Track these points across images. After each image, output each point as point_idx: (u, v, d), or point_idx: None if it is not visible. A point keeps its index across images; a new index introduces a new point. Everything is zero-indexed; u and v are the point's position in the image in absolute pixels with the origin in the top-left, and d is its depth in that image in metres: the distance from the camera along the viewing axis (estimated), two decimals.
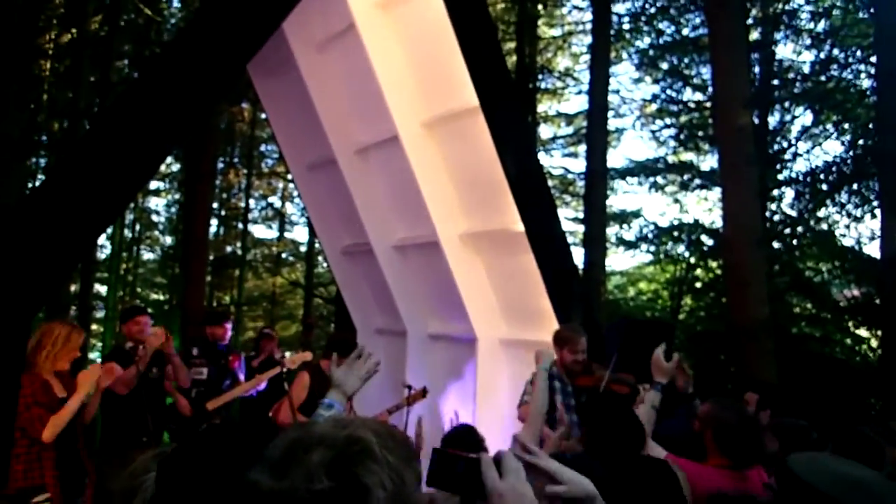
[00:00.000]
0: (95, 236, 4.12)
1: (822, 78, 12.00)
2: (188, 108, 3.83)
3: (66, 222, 3.40)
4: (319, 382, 4.27)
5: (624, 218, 14.84)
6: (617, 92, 15.12)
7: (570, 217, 16.73)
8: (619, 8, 14.79)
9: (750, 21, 12.08)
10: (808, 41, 12.47)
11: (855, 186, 11.40)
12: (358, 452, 0.78)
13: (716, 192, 12.64)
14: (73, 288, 15.11)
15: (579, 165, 15.84)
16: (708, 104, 12.88)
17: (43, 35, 14.76)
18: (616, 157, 15.61)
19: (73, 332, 3.69)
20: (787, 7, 12.51)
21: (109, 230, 17.62)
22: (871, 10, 10.80)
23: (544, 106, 17.63)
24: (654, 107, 15.10)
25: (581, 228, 14.14)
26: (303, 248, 20.44)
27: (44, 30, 14.63)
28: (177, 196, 19.76)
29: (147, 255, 21.81)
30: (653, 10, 13.76)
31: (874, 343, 10.94)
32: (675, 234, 12.95)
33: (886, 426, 3.64)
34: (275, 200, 21.81)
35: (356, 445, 0.78)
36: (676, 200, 14.51)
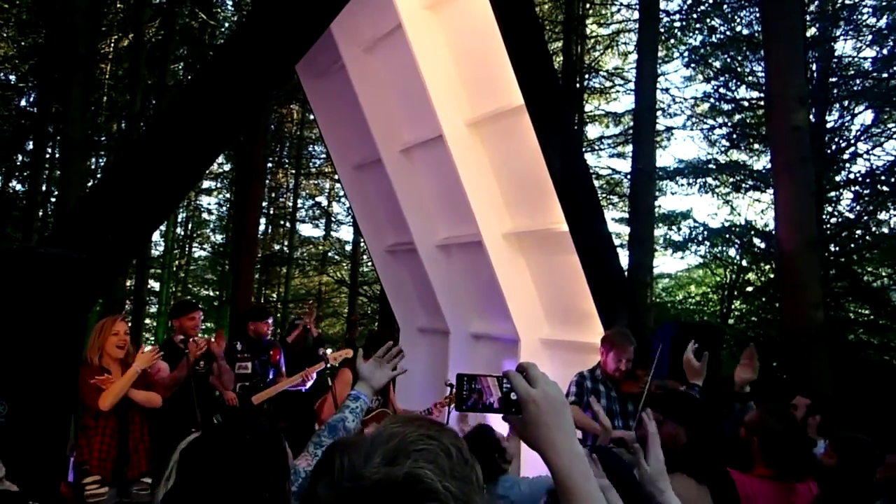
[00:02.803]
0: (149, 233, 4.27)
1: (884, 75, 11.55)
2: (239, 109, 3.93)
3: (121, 219, 3.52)
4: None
5: (672, 219, 14.54)
6: (667, 91, 14.84)
7: (616, 218, 16.51)
8: (670, 6, 14.53)
9: (808, 17, 11.69)
10: (870, 37, 12.00)
11: None
12: (420, 495, 0.74)
13: (769, 194, 12.26)
14: (127, 283, 15.64)
15: (627, 166, 15.60)
16: (762, 103, 12.52)
17: (104, 39, 15.33)
18: (666, 158, 15.30)
19: (108, 321, 3.90)
20: (847, 2, 12.07)
21: (163, 228, 18.22)
22: None
23: (592, 105, 17.43)
24: (705, 106, 14.76)
25: (627, 230, 13.92)
26: (348, 248, 20.70)
27: (104, 34, 15.19)
28: (227, 195, 20.26)
29: (198, 253, 22.43)
30: (704, 6, 13.44)
31: None
32: (726, 236, 12.63)
33: None
34: (322, 200, 22.16)
35: (417, 487, 0.74)
36: (727, 202, 14.14)
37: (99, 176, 16.23)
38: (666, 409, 2.54)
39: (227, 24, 16.74)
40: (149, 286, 17.17)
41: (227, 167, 19.71)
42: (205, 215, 21.56)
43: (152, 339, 17.62)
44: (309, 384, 5.35)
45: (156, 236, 18.14)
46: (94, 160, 17.04)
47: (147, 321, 18.01)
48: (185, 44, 16.56)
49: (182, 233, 21.43)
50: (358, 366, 2.15)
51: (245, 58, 4.02)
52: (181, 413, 4.35)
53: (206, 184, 20.52)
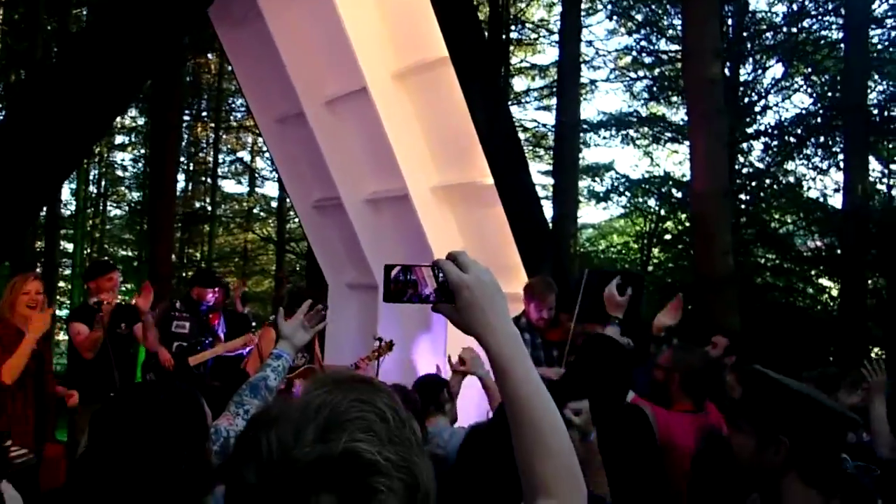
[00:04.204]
0: (52, 190, 4.03)
1: (794, 30, 12.03)
2: (144, 54, 3.71)
3: (20, 175, 3.31)
4: None
5: (596, 171, 14.89)
6: (591, 43, 14.98)
7: (542, 170, 16.73)
8: None
9: None
10: None
11: (822, 139, 11.59)
12: (360, 472, 0.69)
13: (686, 146, 12.72)
14: (37, 245, 14.80)
15: (552, 118, 15.75)
16: (680, 56, 12.85)
17: None
18: (589, 110, 15.55)
19: (18, 280, 3.76)
20: None
21: (73, 185, 17.25)
22: None
23: (518, 58, 17.40)
24: (627, 59, 15.01)
25: (552, 182, 14.17)
26: (274, 204, 20.21)
27: None
28: (143, 151, 19.29)
29: (114, 211, 21.40)
30: None
31: (835, 293, 11.28)
32: (646, 186, 13.05)
33: (827, 374, 3.76)
34: (244, 155, 21.43)
35: (356, 463, 0.69)
36: (648, 153, 14.57)
37: None
38: (585, 354, 2.67)
39: None
40: (61, 247, 16.32)
41: (141, 121, 18.72)
42: (119, 172, 20.48)
43: (67, 302, 16.84)
44: (248, 350, 5.29)
45: (66, 195, 17.17)
46: None
47: (61, 284, 17.17)
48: None
49: (95, 191, 20.34)
50: (279, 324, 2.15)
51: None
52: (99, 376, 4.22)
53: (119, 139, 19.45)
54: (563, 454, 0.95)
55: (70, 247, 17.58)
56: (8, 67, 15.44)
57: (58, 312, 15.85)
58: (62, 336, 15.75)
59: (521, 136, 15.88)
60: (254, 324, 5.12)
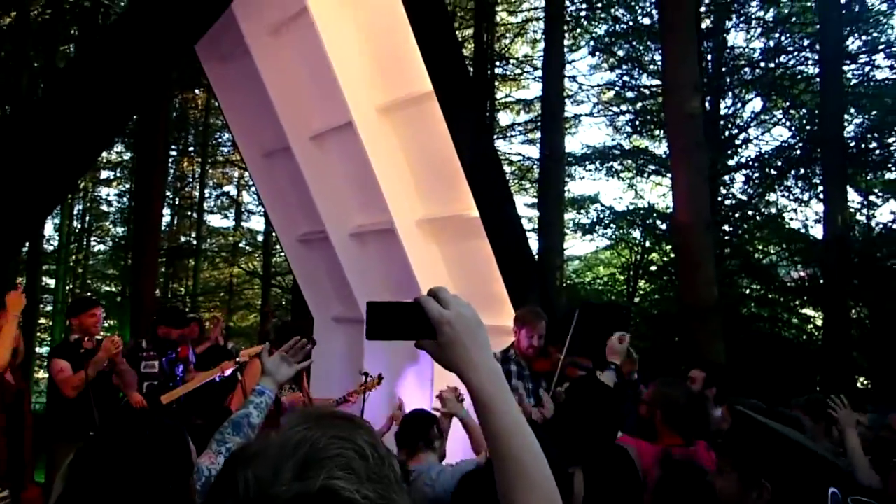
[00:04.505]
0: (35, 225, 3.99)
1: (772, 65, 12.34)
2: (130, 91, 3.73)
3: (4, 208, 3.29)
4: None
5: (581, 203, 15.03)
6: (574, 79, 15.26)
7: (528, 203, 16.87)
8: None
9: (702, 9, 12.30)
10: (759, 29, 12.78)
11: (802, 171, 11.80)
12: None
13: (669, 178, 12.89)
14: (19, 280, 14.60)
15: (537, 152, 15.94)
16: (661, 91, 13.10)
17: None
18: (574, 144, 15.74)
19: None
20: None
21: (57, 221, 17.12)
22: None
23: (503, 93, 17.67)
24: (610, 93, 15.28)
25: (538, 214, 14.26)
26: (260, 238, 20.15)
27: None
28: (128, 185, 19.24)
29: (98, 247, 21.22)
30: None
31: (820, 322, 11.36)
32: (631, 218, 13.18)
33: (814, 400, 3.79)
34: (230, 189, 21.43)
35: (333, 501, 0.68)
36: (632, 186, 14.75)
37: None
38: (574, 396, 2.67)
39: (122, 4, 15.81)
40: (43, 283, 16.12)
41: (127, 156, 18.69)
42: (104, 207, 20.37)
43: (48, 339, 16.57)
44: (219, 376, 5.20)
45: (49, 230, 17.03)
46: None
47: (42, 320, 16.91)
48: (75, 24, 15.52)
49: (79, 226, 20.20)
50: (262, 359, 2.12)
51: (137, 36, 3.81)
52: (78, 414, 4.14)
53: (104, 173, 19.40)
54: (545, 487, 0.94)
55: (52, 283, 17.37)
56: None
57: (39, 350, 15.59)
58: (42, 374, 15.46)
59: (507, 169, 16.05)
60: (238, 359, 5.04)
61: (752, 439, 1.57)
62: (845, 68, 10.94)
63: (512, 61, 17.35)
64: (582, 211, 14.70)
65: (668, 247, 12.29)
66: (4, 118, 14.81)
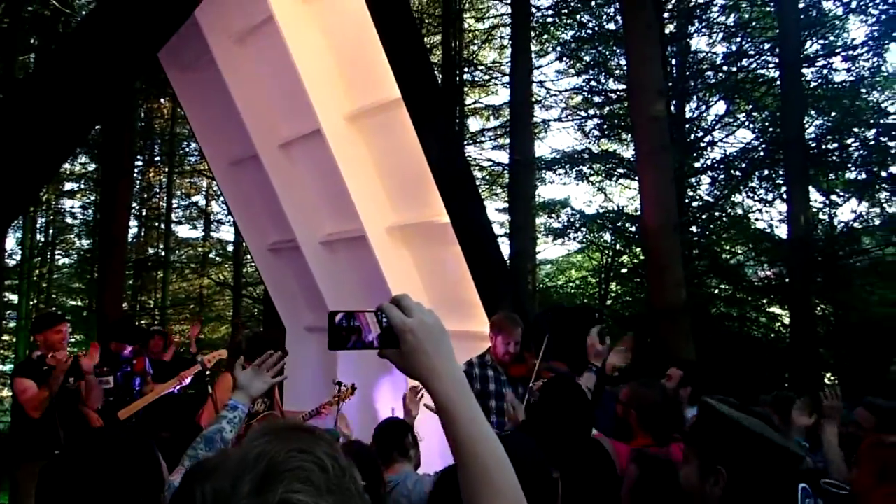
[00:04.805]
0: None
1: (734, 69, 12.59)
2: (90, 101, 3.66)
3: None
4: None
5: (552, 208, 15.13)
6: (542, 84, 15.38)
7: (499, 208, 16.93)
8: (541, 2, 15.04)
9: (665, 14, 12.51)
10: (721, 34, 13.04)
11: (765, 172, 12.05)
12: None
13: (637, 181, 13.05)
14: None
15: (507, 157, 16.02)
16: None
17: None
18: (543, 148, 15.84)
19: None
20: (700, 0, 13.02)
21: (19, 235, 16.70)
22: (775, 4, 11.38)
23: (472, 98, 17.74)
24: (578, 98, 15.43)
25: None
26: (230, 248, 19.90)
27: None
28: (93, 197, 18.86)
29: (62, 260, 20.74)
30: (574, 3, 14.05)
31: (787, 321, 11.58)
32: (601, 222, 13.31)
33: (782, 397, 3.86)
34: (199, 199, 21.14)
35: None
36: (601, 189, 14.89)
37: None
38: (547, 395, 2.68)
39: (83, 13, 15.52)
40: (5, 299, 15.70)
41: (91, 167, 18.33)
42: (68, 219, 19.93)
43: (12, 356, 16.13)
44: (178, 388, 5.12)
45: (11, 244, 16.60)
46: None
47: (5, 337, 16.48)
48: (35, 33, 15.20)
49: (42, 239, 19.72)
50: (235, 373, 2.10)
51: (97, 44, 3.75)
52: (43, 433, 4.03)
53: (68, 185, 18.98)
54: (510, 494, 0.94)
55: (15, 298, 16.93)
56: None
57: (1, 367, 15.17)
58: (6, 392, 15.04)
59: (477, 174, 16.11)
60: (208, 372, 4.96)
61: (711, 427, 1.60)
62: (804, 71, 11.21)
63: (480, 67, 17.43)
64: (553, 215, 14.80)
65: (639, 249, 12.45)
66: None
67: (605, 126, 14.49)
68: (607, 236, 13.91)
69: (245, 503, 0.68)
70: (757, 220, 12.52)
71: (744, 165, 12.22)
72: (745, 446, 1.51)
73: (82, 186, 19.27)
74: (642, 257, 11.54)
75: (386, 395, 5.85)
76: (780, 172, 11.50)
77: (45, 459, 3.92)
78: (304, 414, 4.68)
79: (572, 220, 13.66)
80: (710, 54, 13.32)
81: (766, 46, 12.41)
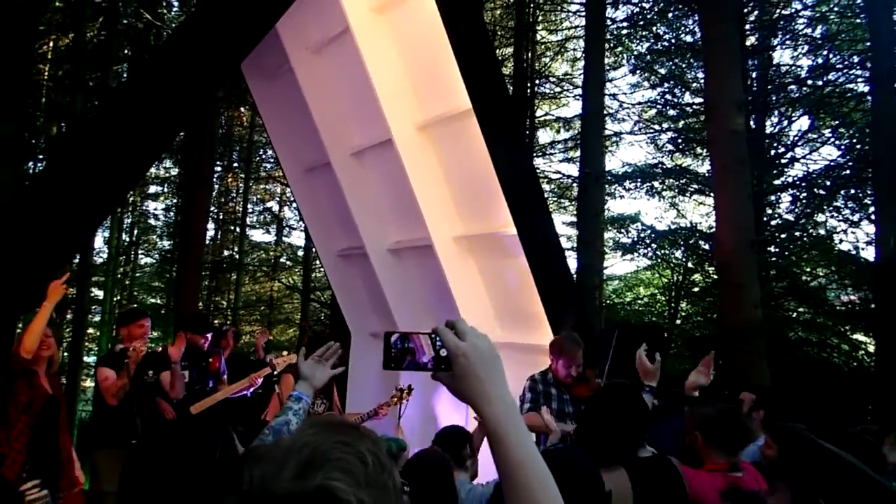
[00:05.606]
0: (86, 236, 4.12)
1: (820, 83, 12.05)
2: (178, 109, 3.84)
3: (56, 220, 3.40)
4: None
5: (621, 222, 14.83)
6: (615, 96, 15.14)
7: (567, 221, 16.72)
8: (617, 14, 14.83)
9: (747, 26, 12.11)
10: (806, 46, 12.51)
11: (852, 191, 11.44)
12: None
13: (712, 197, 12.63)
14: (69, 291, 15.10)
15: (577, 170, 15.82)
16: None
17: (42, 39, 14.79)
18: (614, 162, 15.58)
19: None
20: (784, 12, 12.55)
21: (106, 234, 17.67)
22: (867, 16, 10.83)
23: (543, 110, 17.64)
24: (652, 111, 15.11)
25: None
26: (300, 253, 20.43)
27: (43, 33, 14.66)
28: (175, 200, 19.77)
29: (145, 259, 21.80)
30: (650, 14, 13.79)
31: (872, 349, 10.93)
32: (672, 238, 12.94)
33: (865, 429, 3.61)
34: (273, 205, 21.83)
35: (328, 501, 0.72)
36: (674, 205, 14.50)
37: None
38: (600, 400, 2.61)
39: (173, 25, 16.34)
40: (92, 294, 16.60)
41: (174, 171, 19.23)
42: (151, 221, 20.97)
43: (95, 348, 17.03)
44: (252, 390, 5.25)
45: (99, 242, 17.57)
46: (31, 164, 16.41)
47: (91, 330, 17.41)
48: (129, 44, 16.12)
49: (127, 239, 20.80)
50: (298, 364, 2.14)
51: (186, 56, 3.93)
52: (121, 422, 4.23)
53: (152, 188, 19.98)
54: None
55: (101, 294, 17.89)
56: (49, 120, 16.08)
57: (86, 359, 16.04)
58: (89, 383, 15.89)
59: (546, 187, 15.97)
60: (275, 372, 5.08)
61: (808, 458, 1.52)
62: None
63: (552, 79, 17.32)
64: (622, 230, 14.51)
65: (712, 268, 12.03)
66: (60, 135, 15.41)
67: (680, 140, 14.12)
68: (678, 253, 13.52)
69: (286, 485, 0.72)
70: (841, 241, 11.89)
71: (828, 183, 11.65)
72: (845, 480, 1.44)
73: (165, 190, 20.25)
74: (715, 276, 11.16)
75: (448, 406, 5.85)
76: (868, 192, 10.90)
77: (122, 447, 4.14)
78: (362, 415, 4.74)
79: (642, 235, 13.35)
80: (793, 67, 12.80)
81: (856, 60, 11.81)
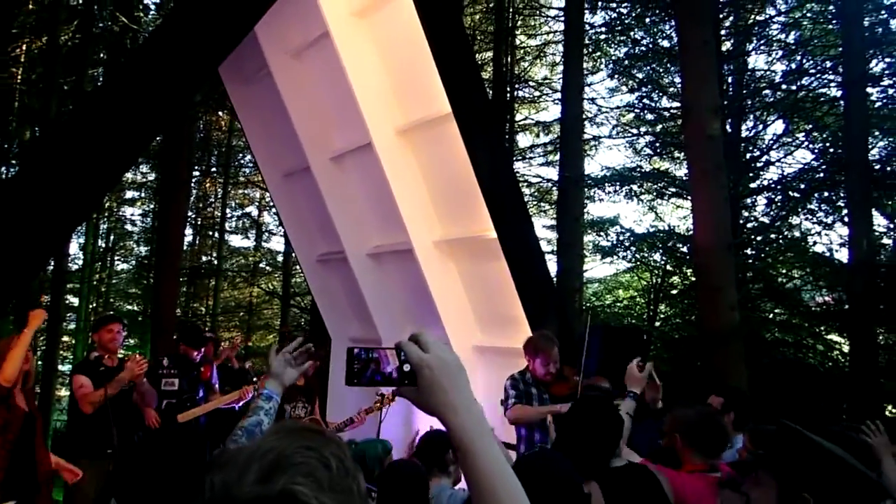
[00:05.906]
0: (60, 241, 4.06)
1: (793, 87, 12.25)
2: (154, 113, 3.79)
3: (30, 226, 3.34)
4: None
5: (601, 226, 14.94)
6: (593, 101, 15.26)
7: (547, 225, 16.80)
8: (595, 19, 14.96)
9: (723, 32, 12.28)
10: (780, 52, 12.72)
11: (825, 194, 11.64)
12: None
13: (689, 200, 12.77)
14: (44, 299, 14.84)
15: (556, 174, 15.90)
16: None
17: (15, 42, 14.56)
18: (593, 166, 15.72)
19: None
20: (758, 18, 12.74)
21: (82, 240, 17.40)
22: (839, 22, 11.05)
23: (522, 115, 17.73)
24: (630, 115, 15.25)
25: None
26: (280, 258, 20.30)
27: (15, 37, 14.43)
28: (152, 205, 19.54)
29: (121, 266, 21.51)
30: (628, 20, 13.93)
31: (846, 349, 11.11)
32: (651, 241, 13.06)
33: (848, 427, 3.66)
34: (252, 210, 21.66)
35: None
36: (652, 208, 14.64)
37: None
38: (576, 410, 2.64)
39: (150, 29, 16.18)
40: (67, 301, 16.33)
41: (151, 176, 19.01)
42: (128, 226, 20.69)
43: (70, 356, 16.76)
44: (241, 404, 5.21)
45: (74, 248, 17.29)
46: (3, 168, 16.13)
47: (65, 338, 17.12)
48: (104, 48, 15.92)
49: (103, 245, 20.51)
50: (269, 359, 2.08)
51: (162, 60, 3.89)
52: (97, 432, 4.16)
53: (128, 193, 19.73)
54: None
55: (76, 301, 17.61)
56: (23, 125, 15.82)
57: (61, 367, 15.76)
58: (64, 392, 15.61)
59: (526, 191, 16.03)
60: (255, 379, 5.04)
61: (795, 451, 1.53)
62: (869, 90, 10.82)
63: (531, 83, 17.42)
64: (601, 233, 14.62)
65: (690, 270, 12.16)
66: (34, 139, 15.16)
67: (658, 144, 14.27)
68: (657, 256, 13.65)
69: (249, 490, 0.72)
70: (815, 243, 12.09)
71: (802, 187, 11.84)
72: (835, 475, 1.45)
73: (142, 195, 20.01)
74: (693, 279, 11.27)
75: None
76: (842, 194, 11.11)
77: (98, 457, 4.07)
78: (338, 424, 4.72)
79: (621, 238, 13.45)
80: (768, 72, 13.00)
81: (829, 65, 12.04)
